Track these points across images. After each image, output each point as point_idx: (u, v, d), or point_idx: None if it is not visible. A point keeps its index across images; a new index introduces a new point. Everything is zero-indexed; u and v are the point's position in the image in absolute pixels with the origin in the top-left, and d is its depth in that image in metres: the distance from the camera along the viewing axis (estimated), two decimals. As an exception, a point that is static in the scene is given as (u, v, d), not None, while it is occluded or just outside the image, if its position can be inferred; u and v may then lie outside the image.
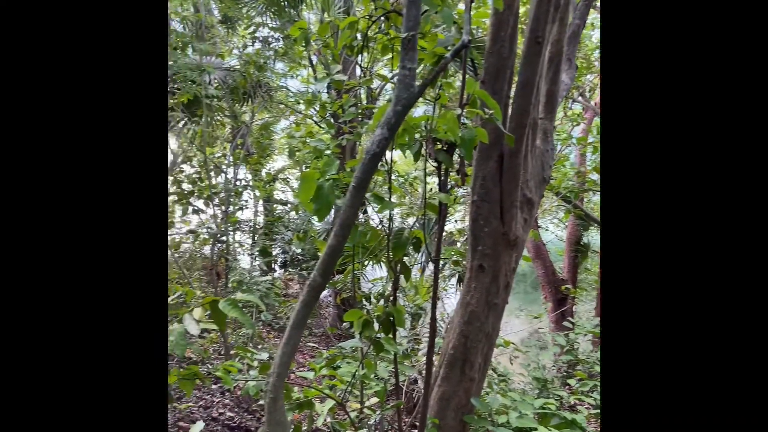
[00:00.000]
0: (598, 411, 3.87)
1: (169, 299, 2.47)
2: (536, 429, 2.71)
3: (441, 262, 6.19)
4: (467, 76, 3.32)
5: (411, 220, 8.10)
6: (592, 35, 7.90)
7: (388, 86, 7.62)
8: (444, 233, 7.04)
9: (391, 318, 2.40)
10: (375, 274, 6.42)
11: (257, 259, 6.89)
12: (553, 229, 10.81)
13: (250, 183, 5.91)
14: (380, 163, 2.18)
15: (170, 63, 4.40)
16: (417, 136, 2.16)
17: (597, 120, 7.81)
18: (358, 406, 2.84)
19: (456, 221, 7.36)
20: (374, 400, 2.97)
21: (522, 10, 3.62)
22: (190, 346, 2.04)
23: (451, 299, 6.22)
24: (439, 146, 2.11)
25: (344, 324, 5.53)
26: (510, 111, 2.66)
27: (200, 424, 2.42)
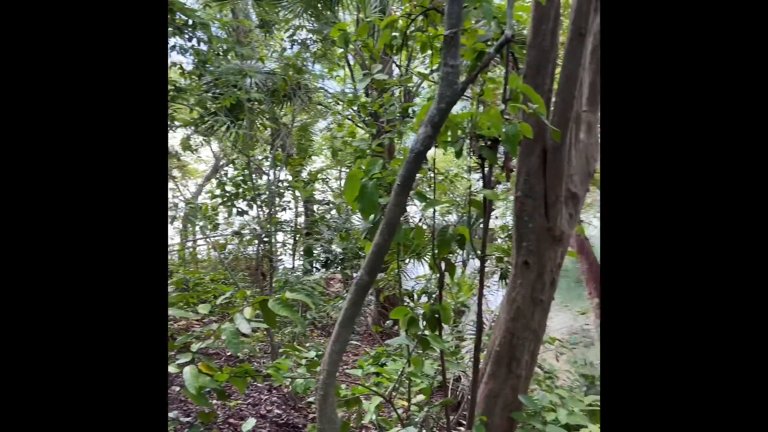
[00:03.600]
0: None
1: (219, 300, 2.55)
2: (586, 427, 2.67)
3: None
4: (510, 71, 3.29)
5: (450, 217, 8.07)
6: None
7: (425, 84, 7.60)
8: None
9: (437, 315, 2.41)
10: (417, 272, 6.42)
11: (300, 258, 7.00)
12: (596, 223, 10.57)
13: (291, 184, 6.00)
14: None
15: (213, 68, 4.51)
16: (460, 133, 2.16)
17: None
18: (405, 403, 2.85)
19: (497, 217, 7.29)
20: (420, 397, 2.98)
21: (563, 1, 3.57)
22: (243, 344, 2.10)
23: (492, 296, 6.17)
24: (483, 143, 2.10)
25: (387, 322, 5.56)
26: (553, 105, 2.63)
27: (251, 421, 2.48)
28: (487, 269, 6.13)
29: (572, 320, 8.35)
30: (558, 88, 2.54)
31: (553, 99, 2.68)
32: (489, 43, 2.51)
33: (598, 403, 3.11)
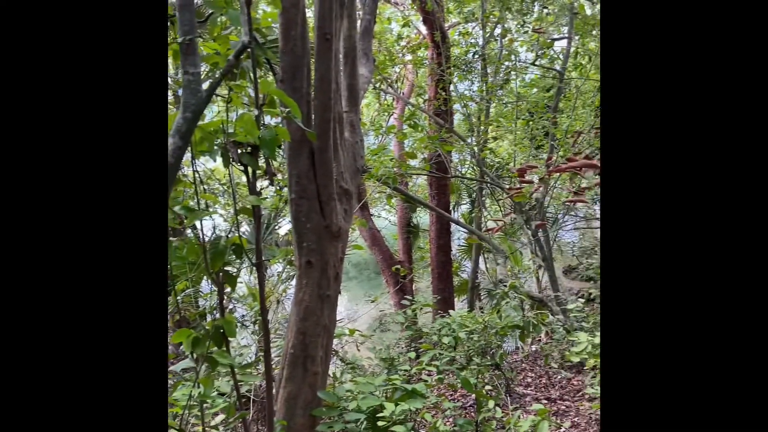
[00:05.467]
0: (441, 377, 4.18)
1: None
2: (382, 405, 2.84)
3: (280, 264, 6.11)
4: (265, 76, 3.32)
5: (244, 227, 7.89)
6: (392, 29, 8.37)
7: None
8: (279, 234, 6.97)
9: (222, 330, 2.33)
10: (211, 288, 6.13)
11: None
12: (385, 215, 11.32)
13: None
14: (182, 173, 2.09)
15: None
16: (218, 141, 2.11)
17: (407, 109, 8.32)
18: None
19: (290, 221, 7.34)
20: (220, 417, 2.86)
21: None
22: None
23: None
24: (242, 149, 2.08)
25: (181, 347, 5.23)
26: (313, 107, 2.72)
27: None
28: (285, 273, 6.14)
29: (373, 310, 8.84)
30: (314, 90, 2.64)
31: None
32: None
33: (395, 382, 3.34)
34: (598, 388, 3.32)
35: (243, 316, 4.19)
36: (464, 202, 10.73)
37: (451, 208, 9.15)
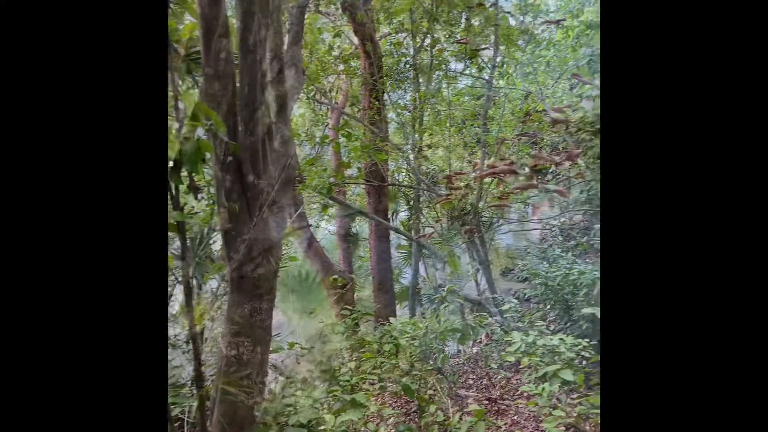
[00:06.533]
0: (383, 385, 4.19)
1: None
2: (322, 417, 2.82)
3: (215, 279, 5.94)
4: (192, 89, 3.24)
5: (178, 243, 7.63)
6: (325, 39, 8.37)
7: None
8: (213, 250, 6.78)
9: (149, 352, 2.24)
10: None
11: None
12: (324, 225, 11.25)
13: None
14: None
15: None
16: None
17: (342, 118, 8.34)
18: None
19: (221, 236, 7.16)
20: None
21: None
22: None
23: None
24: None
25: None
26: (239, 119, 2.68)
27: None
28: (222, 288, 5.97)
29: (314, 321, 8.74)
30: (239, 102, 2.60)
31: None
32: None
33: (335, 394, 3.32)
34: (533, 385, 3.43)
35: (176, 335, 4.04)
36: (403, 209, 10.83)
37: (389, 216, 9.22)
